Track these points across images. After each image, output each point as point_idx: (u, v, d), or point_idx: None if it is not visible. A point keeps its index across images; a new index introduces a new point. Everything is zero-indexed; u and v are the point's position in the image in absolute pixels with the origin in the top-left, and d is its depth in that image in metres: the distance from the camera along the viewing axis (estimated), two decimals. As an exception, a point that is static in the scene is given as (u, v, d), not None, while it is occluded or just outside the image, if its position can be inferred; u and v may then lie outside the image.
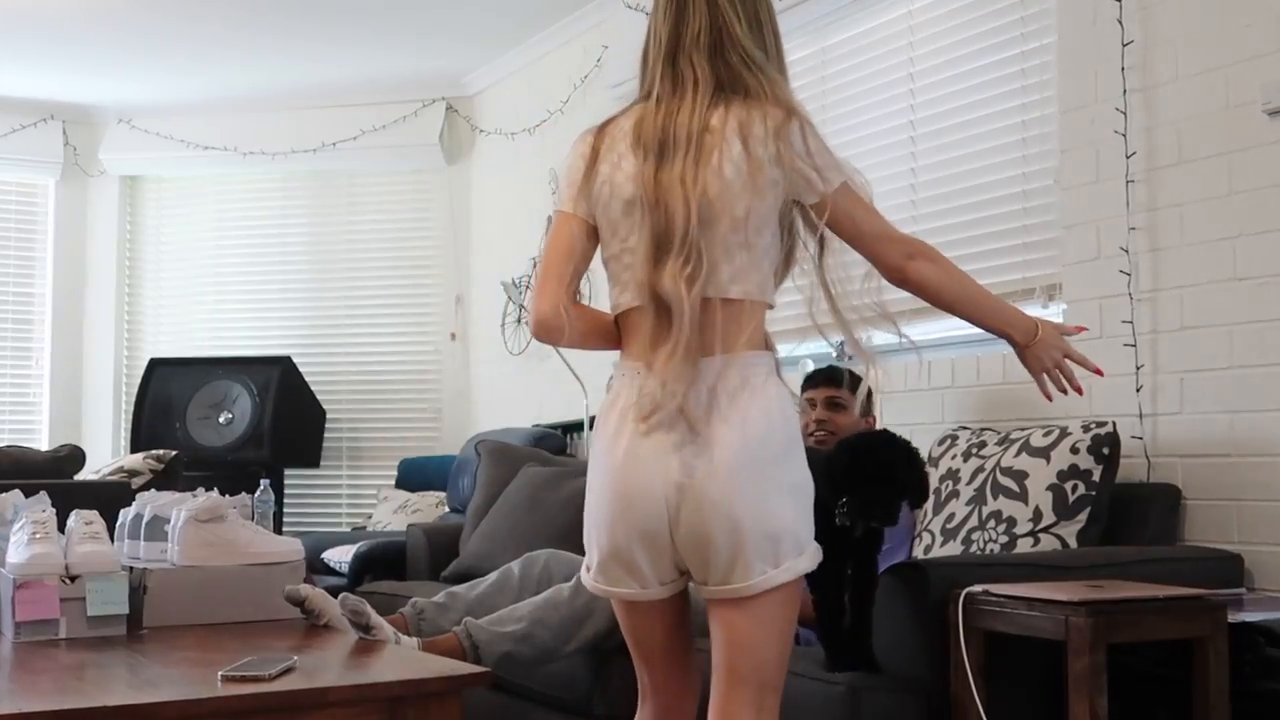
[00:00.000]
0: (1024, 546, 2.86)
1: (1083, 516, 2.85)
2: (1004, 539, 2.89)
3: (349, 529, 6.31)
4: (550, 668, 3.16)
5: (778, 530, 1.90)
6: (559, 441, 5.33)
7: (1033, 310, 3.47)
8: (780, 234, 2.05)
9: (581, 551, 3.69)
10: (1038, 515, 2.88)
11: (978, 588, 2.42)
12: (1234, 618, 2.41)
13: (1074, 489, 2.87)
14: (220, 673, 1.97)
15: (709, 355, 1.93)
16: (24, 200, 7.16)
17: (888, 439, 2.45)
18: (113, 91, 6.75)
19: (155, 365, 6.55)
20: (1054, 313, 3.42)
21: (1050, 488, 2.88)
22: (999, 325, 2.13)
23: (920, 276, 2.08)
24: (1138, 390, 3.11)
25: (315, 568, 4.95)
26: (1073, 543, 2.84)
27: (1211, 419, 2.98)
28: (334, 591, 2.79)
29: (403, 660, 2.31)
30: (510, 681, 3.37)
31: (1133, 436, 3.08)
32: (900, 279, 2.08)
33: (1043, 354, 2.15)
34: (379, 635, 2.62)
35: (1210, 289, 2.99)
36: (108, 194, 7.21)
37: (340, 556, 5.03)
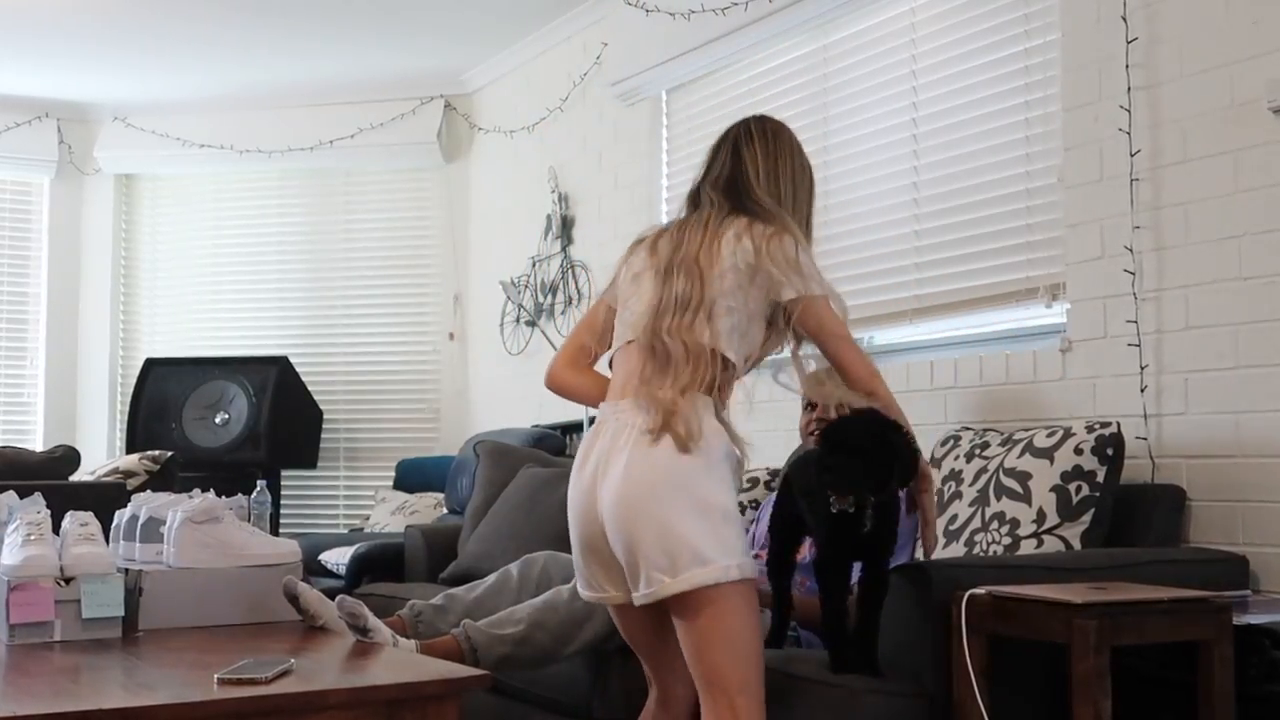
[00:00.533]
0: (1028, 548, 2.86)
1: (1087, 518, 2.85)
2: (1007, 540, 2.89)
3: (346, 530, 6.31)
4: (549, 670, 3.16)
5: (674, 545, 2.23)
6: (558, 442, 5.33)
7: (1036, 310, 3.49)
8: (751, 319, 2.44)
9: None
10: (1041, 516, 2.88)
11: (981, 589, 2.42)
12: (1239, 620, 2.41)
13: (1078, 490, 2.87)
14: (216, 675, 1.97)
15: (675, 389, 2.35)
16: (18, 199, 7.16)
17: (865, 416, 2.43)
18: (108, 89, 6.76)
19: (151, 365, 6.55)
20: (1057, 312, 3.42)
21: (1054, 489, 2.88)
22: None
23: (885, 393, 2.46)
24: (1142, 390, 3.11)
25: (312, 569, 4.95)
26: (1077, 544, 2.84)
27: (1217, 419, 2.97)
28: (331, 593, 2.79)
29: (401, 663, 2.31)
30: (509, 684, 3.37)
31: (1137, 437, 3.08)
32: (869, 390, 2.46)
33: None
34: (376, 637, 2.63)
35: (1215, 288, 2.99)
36: (103, 192, 7.21)
37: (337, 558, 5.03)
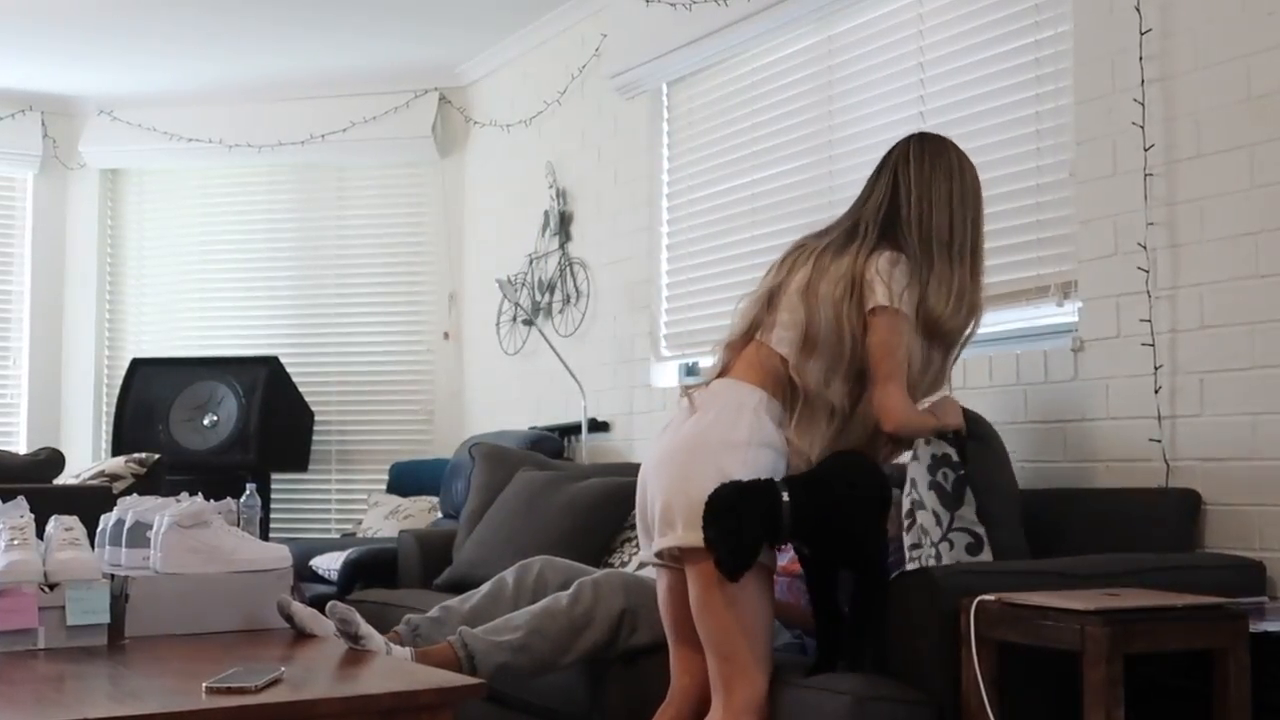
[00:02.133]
0: (948, 554, 2.80)
1: (968, 496, 2.81)
2: (931, 552, 2.84)
3: (338, 535, 6.31)
4: (548, 679, 3.16)
5: (682, 504, 2.51)
6: (556, 444, 5.33)
7: (1048, 308, 3.49)
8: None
9: (578, 557, 3.72)
10: (938, 518, 2.82)
11: (990, 596, 2.42)
12: (1256, 627, 2.41)
13: (945, 477, 2.82)
14: (205, 684, 1.97)
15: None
16: (1, 195, 7.16)
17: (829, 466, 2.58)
18: (93, 82, 6.76)
19: (137, 365, 6.55)
20: (1069, 311, 3.42)
21: (931, 486, 2.83)
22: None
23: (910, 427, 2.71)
24: (1156, 391, 3.11)
25: (303, 575, 4.95)
26: (979, 528, 2.78)
27: (1233, 421, 2.98)
28: (323, 600, 2.79)
29: (394, 671, 2.31)
30: (506, 693, 3.37)
31: (1151, 439, 3.08)
32: (894, 432, 2.70)
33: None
34: (369, 645, 2.63)
35: (1232, 286, 2.99)
36: (88, 188, 7.21)
37: (329, 564, 5.03)
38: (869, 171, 4.09)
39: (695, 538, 2.44)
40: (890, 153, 2.85)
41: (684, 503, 2.50)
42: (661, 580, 2.70)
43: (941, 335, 2.72)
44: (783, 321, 2.67)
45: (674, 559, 2.58)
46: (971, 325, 2.80)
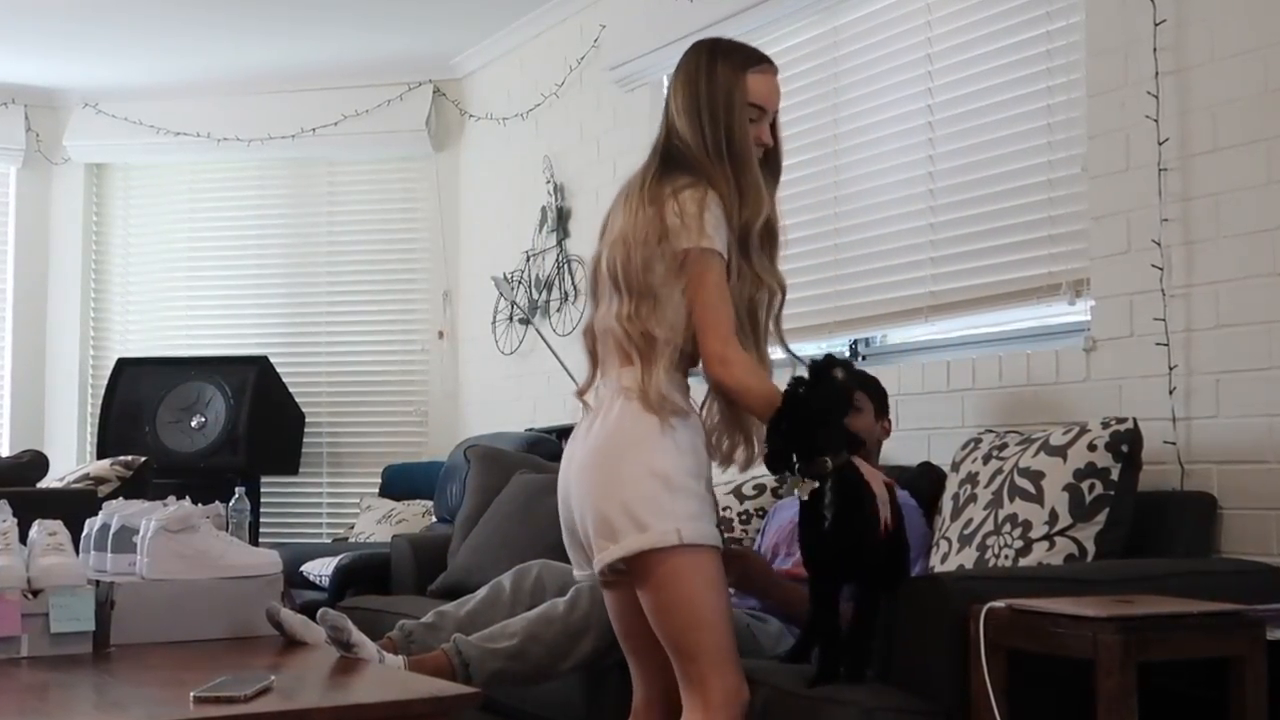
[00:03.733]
0: (1039, 551, 2.86)
1: (1101, 518, 2.85)
2: (1019, 544, 2.89)
3: (330, 540, 6.31)
4: (544, 686, 3.16)
5: (609, 512, 2.41)
6: (553, 447, 5.33)
7: (1059, 307, 3.49)
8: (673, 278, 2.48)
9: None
10: (1054, 518, 2.88)
11: (1000, 603, 2.42)
12: (1273, 635, 2.41)
13: (1091, 489, 2.87)
14: (192, 693, 1.97)
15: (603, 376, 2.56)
16: (-17, 190, 7.16)
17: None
18: (78, 74, 6.76)
19: (123, 365, 6.55)
20: (1081, 309, 3.42)
21: (1066, 488, 2.88)
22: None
23: (735, 381, 2.47)
24: (1170, 392, 3.11)
25: (294, 581, 4.95)
26: (1090, 546, 2.84)
27: (1249, 423, 2.98)
28: (314, 606, 2.79)
29: (387, 680, 2.31)
30: (501, 702, 3.37)
31: (1165, 441, 3.08)
32: (714, 377, 2.49)
33: None
34: (361, 653, 2.63)
35: (1248, 284, 2.99)
36: (72, 183, 7.21)
37: (320, 569, 5.03)
38: (875, 167, 4.13)
39: (640, 542, 2.37)
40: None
41: (619, 509, 2.40)
42: (610, 596, 2.61)
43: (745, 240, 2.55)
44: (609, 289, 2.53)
45: (616, 571, 2.48)
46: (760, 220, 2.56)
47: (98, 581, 2.66)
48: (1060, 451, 2.94)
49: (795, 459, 2.43)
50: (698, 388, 2.55)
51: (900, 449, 3.65)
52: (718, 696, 2.42)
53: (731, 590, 3.28)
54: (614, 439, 2.44)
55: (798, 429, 2.41)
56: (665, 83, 5.10)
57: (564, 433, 5.38)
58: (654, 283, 2.44)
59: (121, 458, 5.29)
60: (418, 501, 5.84)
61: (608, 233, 2.57)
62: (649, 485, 2.41)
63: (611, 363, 2.52)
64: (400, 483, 6.09)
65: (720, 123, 2.54)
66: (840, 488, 2.42)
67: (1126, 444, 2.89)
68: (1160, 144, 3.17)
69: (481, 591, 3.46)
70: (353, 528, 5.98)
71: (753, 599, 3.30)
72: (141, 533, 2.79)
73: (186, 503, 2.90)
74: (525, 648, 3.01)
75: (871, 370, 3.66)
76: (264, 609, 2.68)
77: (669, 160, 2.55)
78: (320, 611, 2.68)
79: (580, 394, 2.62)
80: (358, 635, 2.66)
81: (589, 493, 2.45)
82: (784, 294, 2.58)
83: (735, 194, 2.50)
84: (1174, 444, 3.09)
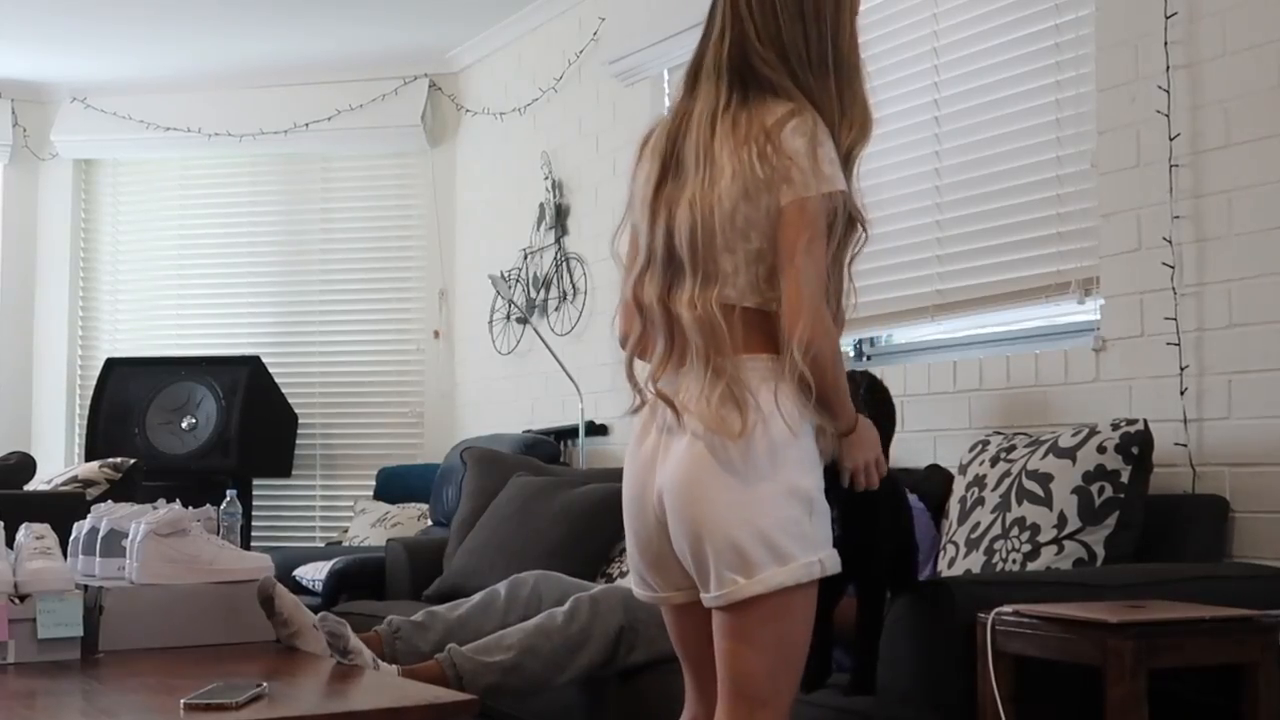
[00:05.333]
0: (1047, 555, 2.86)
1: (1111, 521, 2.86)
2: (1027, 548, 2.89)
3: (323, 544, 6.32)
4: (543, 696, 3.16)
5: (743, 540, 2.02)
6: (552, 449, 5.34)
7: (1068, 306, 3.49)
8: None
9: (575, 571, 3.69)
10: (1062, 521, 2.88)
11: (1008, 608, 2.42)
12: (1287, 641, 2.41)
13: (1101, 491, 2.87)
14: (183, 700, 1.97)
15: (697, 361, 2.07)
16: (-31, 186, 7.17)
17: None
18: (66, 67, 6.76)
19: (112, 365, 6.55)
20: (1091, 308, 3.42)
21: (1075, 490, 2.89)
22: (842, 418, 2.16)
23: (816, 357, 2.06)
24: (1182, 393, 3.11)
25: (286, 586, 4.94)
26: (1100, 550, 2.84)
27: (1262, 425, 2.98)
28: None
29: (382, 687, 2.31)
30: (498, 709, 3.37)
31: (1176, 444, 3.09)
32: (800, 340, 2.06)
33: (858, 451, 2.23)
34: (357, 660, 2.63)
35: (1262, 283, 2.99)
36: (60, 179, 7.21)
37: (314, 574, 5.03)
38: (879, 163, 4.12)
39: (783, 577, 2.02)
40: None
41: (755, 537, 2.02)
42: (684, 618, 2.22)
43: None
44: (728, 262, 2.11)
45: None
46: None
47: (86, 586, 2.66)
48: (1069, 454, 2.94)
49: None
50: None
51: (906, 451, 3.65)
52: None
53: None
54: (747, 452, 2.04)
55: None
56: (666, 77, 5.15)
57: (562, 434, 5.39)
58: (764, 249, 2.07)
59: (110, 460, 5.29)
60: (413, 504, 5.84)
61: (665, 191, 2.16)
62: (791, 509, 2.05)
63: (703, 353, 2.07)
64: (395, 485, 6.09)
65: (828, 24, 2.17)
66: (853, 496, 2.40)
67: (1137, 446, 2.89)
68: (1171, 139, 3.17)
69: (476, 596, 3.46)
70: (346, 531, 5.98)
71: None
72: (131, 536, 2.79)
73: (177, 506, 2.90)
74: (521, 661, 3.01)
75: (876, 370, 3.66)
76: (257, 614, 2.68)
77: (749, 82, 2.15)
78: (320, 615, 2.68)
79: (659, 392, 2.13)
80: (356, 642, 2.67)
81: (715, 515, 2.04)
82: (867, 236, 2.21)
83: (839, 113, 2.15)
84: (1185, 446, 3.09)
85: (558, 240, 5.70)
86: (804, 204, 2.06)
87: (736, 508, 2.03)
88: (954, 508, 3.19)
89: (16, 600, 2.50)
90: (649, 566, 2.18)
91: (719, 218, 2.08)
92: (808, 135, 2.07)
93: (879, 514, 2.45)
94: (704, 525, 2.04)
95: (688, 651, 2.25)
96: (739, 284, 2.09)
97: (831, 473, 2.32)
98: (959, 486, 3.21)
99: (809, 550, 2.05)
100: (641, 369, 2.20)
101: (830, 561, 2.08)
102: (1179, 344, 3.13)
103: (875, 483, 2.25)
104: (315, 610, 2.97)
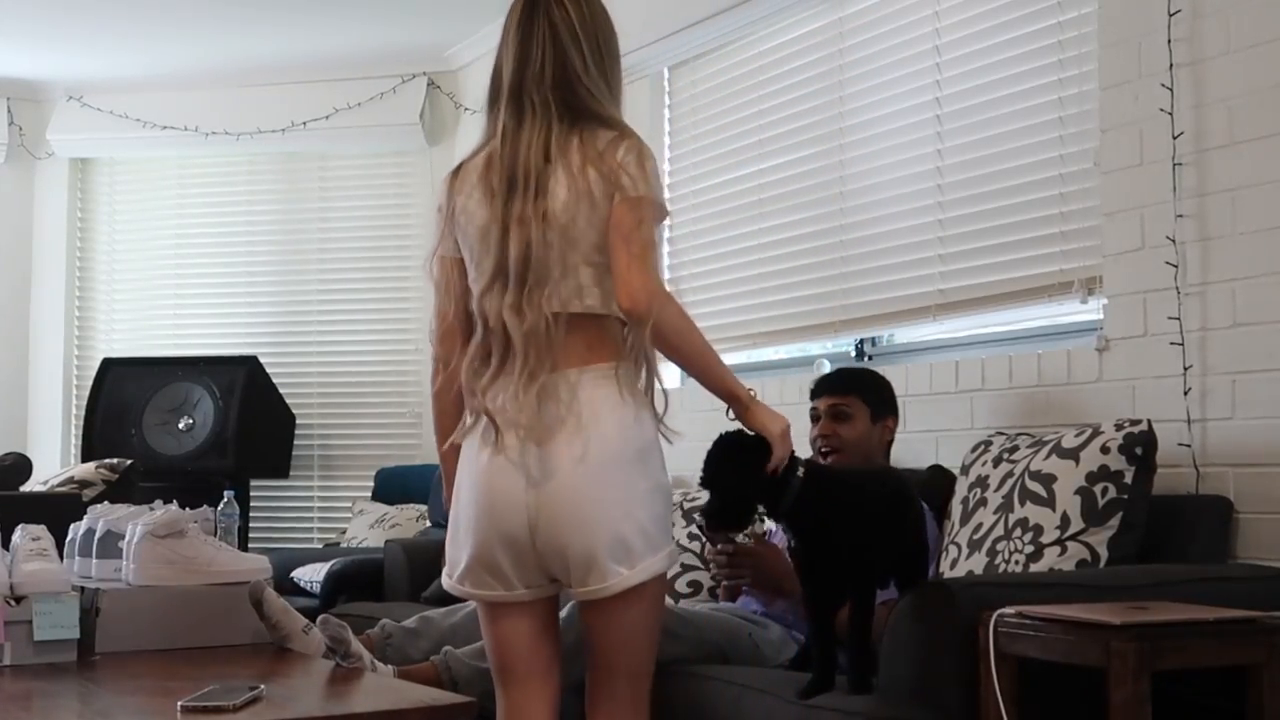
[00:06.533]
0: (1050, 556, 2.86)
1: (1114, 522, 2.86)
2: (1030, 549, 2.89)
3: (321, 545, 6.32)
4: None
5: (627, 534, 2.24)
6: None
7: (1071, 305, 3.49)
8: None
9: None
10: (1065, 522, 2.88)
11: (1010, 610, 2.42)
12: (1291, 642, 2.41)
13: (1104, 492, 2.87)
14: (179, 703, 1.97)
15: (553, 372, 2.25)
16: (-35, 185, 7.17)
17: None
18: (62, 65, 6.75)
19: (109, 366, 6.55)
20: (1094, 308, 3.42)
21: (1079, 491, 2.88)
22: (724, 389, 2.38)
23: (660, 320, 2.27)
24: (1185, 393, 3.11)
25: (284, 588, 4.94)
26: (1103, 551, 2.84)
27: (1267, 425, 2.98)
28: (305, 613, 2.79)
29: (379, 689, 2.31)
30: (494, 714, 3.37)
31: (1180, 444, 3.09)
32: (632, 311, 2.26)
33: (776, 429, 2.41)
34: (356, 663, 2.63)
35: (1266, 282, 2.99)
36: (56, 178, 7.20)
37: (312, 575, 5.03)
38: (882, 161, 4.13)
39: (658, 564, 2.27)
40: None
41: (637, 531, 2.24)
42: (521, 617, 2.38)
43: None
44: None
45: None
46: None
47: (82, 588, 2.67)
48: (1072, 454, 2.94)
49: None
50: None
51: (909, 452, 3.65)
52: (645, 714, 2.42)
53: (746, 589, 3.29)
54: (620, 448, 2.25)
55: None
56: (666, 75, 5.15)
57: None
58: (603, 252, 2.27)
59: (107, 460, 5.29)
60: (411, 505, 5.84)
61: (512, 209, 2.28)
62: (661, 502, 2.32)
63: (565, 355, 2.26)
64: (393, 486, 6.09)
65: (619, 63, 2.45)
66: (792, 521, 2.53)
67: (1140, 446, 2.89)
68: (1175, 138, 3.17)
69: (469, 605, 3.45)
70: (345, 532, 5.98)
71: (758, 604, 3.30)
72: (127, 538, 2.79)
73: (174, 507, 2.90)
74: None
75: (879, 370, 3.66)
76: (253, 616, 2.68)
77: (575, 110, 2.34)
78: (321, 618, 2.68)
79: (483, 409, 2.28)
80: (356, 646, 2.67)
81: (599, 513, 2.23)
82: None
83: None
84: (1189, 446, 3.09)
85: (557, 239, 5.69)
86: (635, 201, 2.27)
87: (620, 504, 2.24)
88: (956, 509, 3.19)
89: (12, 602, 2.50)
90: (509, 566, 2.30)
91: (557, 232, 2.26)
92: (636, 153, 2.31)
93: (830, 521, 2.51)
94: (593, 523, 2.23)
95: (518, 648, 2.40)
96: (581, 291, 2.28)
97: (776, 489, 2.38)
98: (961, 487, 3.21)
99: (670, 541, 2.33)
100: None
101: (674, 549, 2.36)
102: (1183, 344, 3.13)
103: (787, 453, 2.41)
104: (314, 612, 2.98)
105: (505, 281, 2.27)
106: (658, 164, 2.38)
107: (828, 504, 2.51)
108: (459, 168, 2.43)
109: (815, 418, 3.44)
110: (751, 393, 2.40)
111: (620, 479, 2.25)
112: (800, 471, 2.47)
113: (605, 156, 2.29)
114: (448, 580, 2.41)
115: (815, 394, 3.49)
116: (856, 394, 3.43)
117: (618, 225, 2.25)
